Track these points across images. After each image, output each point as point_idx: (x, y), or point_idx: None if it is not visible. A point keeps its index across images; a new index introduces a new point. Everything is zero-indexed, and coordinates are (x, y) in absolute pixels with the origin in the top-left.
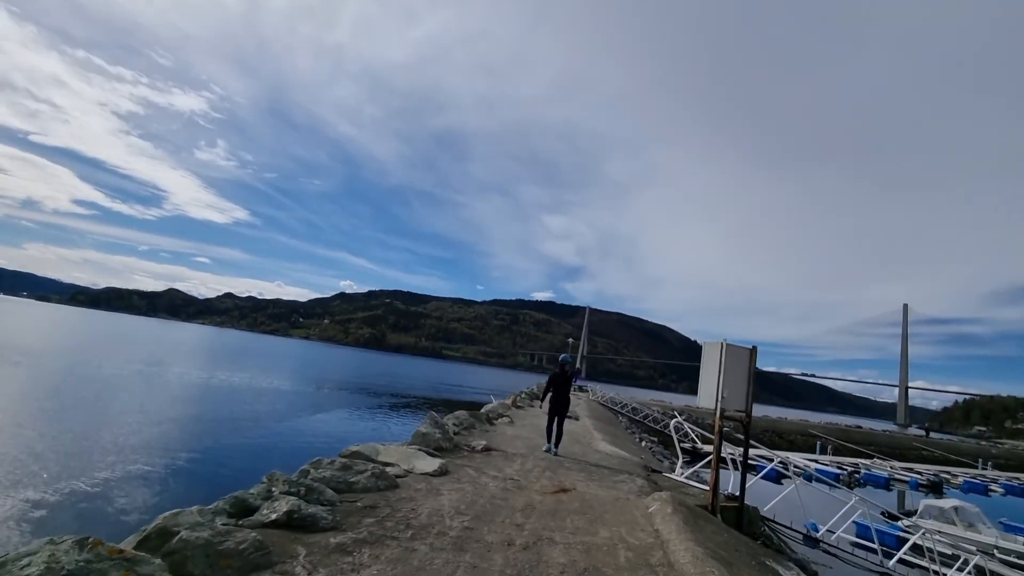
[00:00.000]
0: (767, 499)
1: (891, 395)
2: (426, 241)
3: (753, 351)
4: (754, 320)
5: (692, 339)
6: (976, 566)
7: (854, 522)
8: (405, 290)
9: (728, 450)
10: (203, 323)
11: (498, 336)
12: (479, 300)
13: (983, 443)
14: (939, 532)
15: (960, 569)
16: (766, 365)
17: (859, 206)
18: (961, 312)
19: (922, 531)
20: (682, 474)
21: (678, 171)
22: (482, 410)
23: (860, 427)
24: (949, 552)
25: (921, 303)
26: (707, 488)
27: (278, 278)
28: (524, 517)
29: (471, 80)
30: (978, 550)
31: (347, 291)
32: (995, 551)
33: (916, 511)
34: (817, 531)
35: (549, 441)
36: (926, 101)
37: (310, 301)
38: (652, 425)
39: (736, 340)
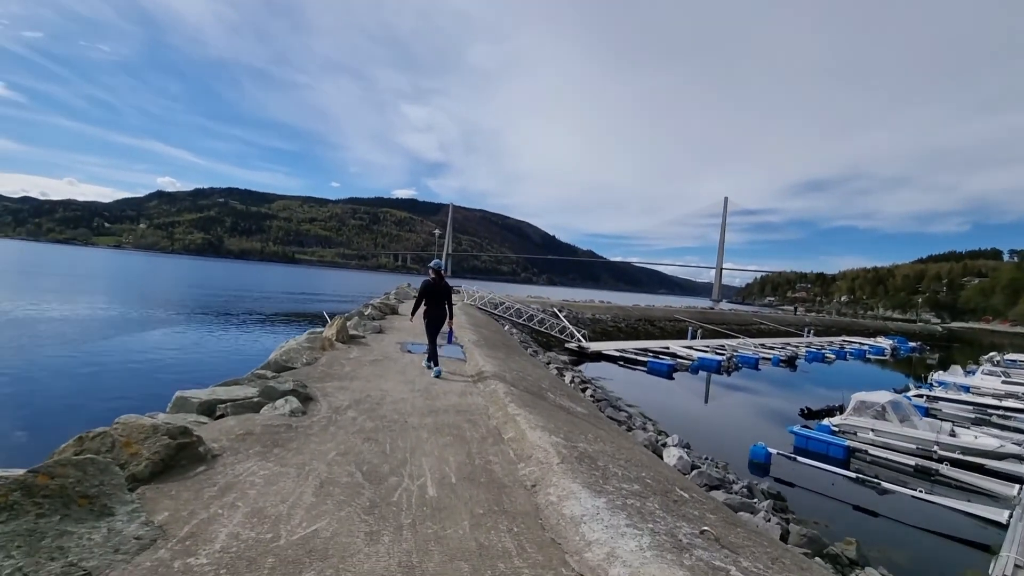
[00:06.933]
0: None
1: (708, 276)
2: (265, 130)
3: None
4: (605, 215)
5: (552, 234)
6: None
7: (792, 432)
8: (243, 188)
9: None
10: None
11: (357, 237)
12: (334, 199)
13: (771, 311)
14: (873, 430)
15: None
16: (613, 255)
17: (695, 109)
18: (763, 204)
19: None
20: None
21: (540, 62)
22: (268, 361)
23: (712, 308)
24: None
25: (736, 196)
26: None
27: (68, 173)
28: None
29: None
30: (918, 448)
31: (167, 189)
32: (936, 447)
33: (835, 408)
34: (768, 458)
35: (433, 364)
36: (757, 10)
37: (117, 202)
38: (538, 327)
39: (589, 235)
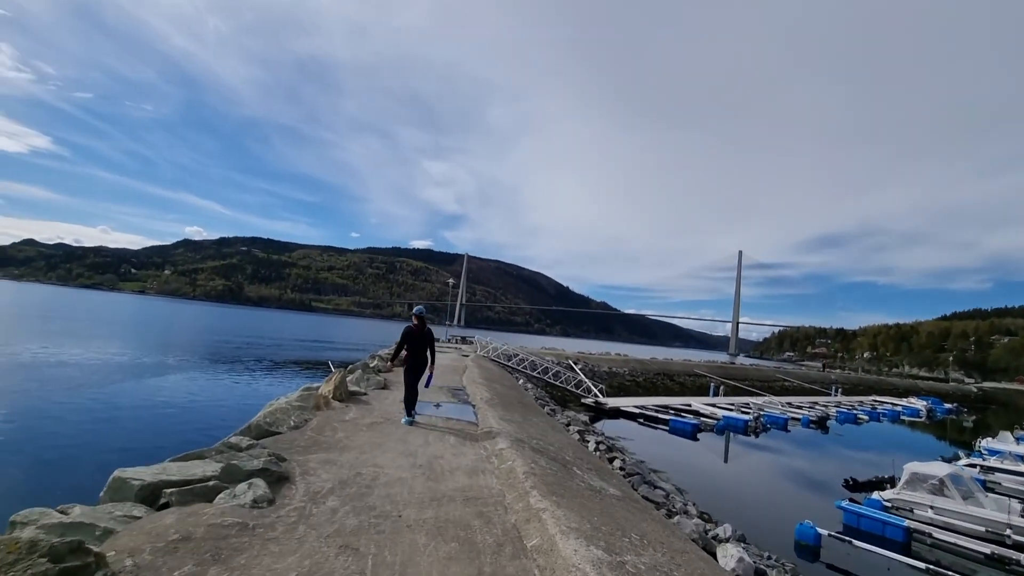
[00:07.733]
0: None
1: (724, 329)
2: (290, 183)
3: None
4: (619, 267)
5: (565, 285)
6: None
7: (840, 508)
8: (265, 237)
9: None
10: None
11: (373, 286)
12: (352, 248)
13: (794, 367)
14: (932, 507)
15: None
16: (627, 307)
17: (708, 164)
18: (777, 258)
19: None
20: None
21: (555, 121)
22: (250, 425)
23: (732, 362)
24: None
25: (750, 250)
26: None
27: (102, 222)
28: None
29: (340, 1)
30: (987, 530)
31: (194, 238)
32: (1009, 531)
33: (884, 480)
34: (818, 540)
35: (409, 414)
36: (771, 73)
37: (145, 249)
38: (553, 381)
39: (603, 287)
